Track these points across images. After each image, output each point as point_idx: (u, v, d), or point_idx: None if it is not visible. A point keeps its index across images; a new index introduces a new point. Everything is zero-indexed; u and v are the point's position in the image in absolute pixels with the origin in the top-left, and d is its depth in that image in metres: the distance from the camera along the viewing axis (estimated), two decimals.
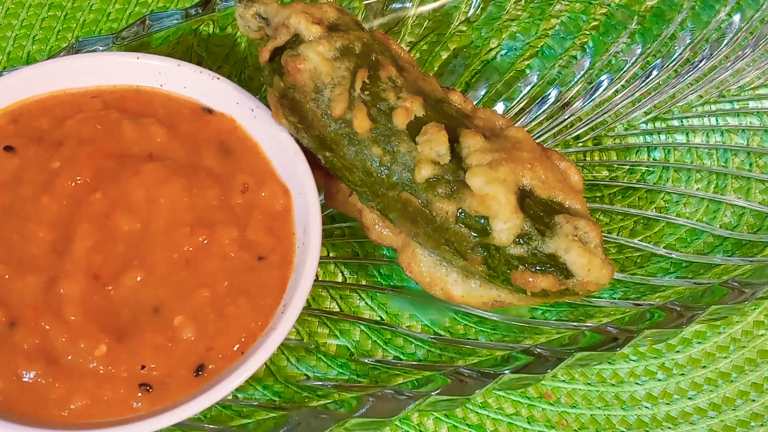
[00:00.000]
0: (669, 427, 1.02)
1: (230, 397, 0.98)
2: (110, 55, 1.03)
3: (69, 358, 0.84)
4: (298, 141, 0.97)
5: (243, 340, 0.88)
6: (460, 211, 0.87)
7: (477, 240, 0.87)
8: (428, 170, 0.88)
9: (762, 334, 1.08)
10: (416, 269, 0.94)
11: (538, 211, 0.87)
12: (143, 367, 0.85)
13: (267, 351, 0.86)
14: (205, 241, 0.91)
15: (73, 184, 0.92)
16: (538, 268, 0.86)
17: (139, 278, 0.89)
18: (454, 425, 1.00)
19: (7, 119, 0.98)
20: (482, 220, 0.86)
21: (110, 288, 0.88)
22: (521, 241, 0.86)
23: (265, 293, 0.91)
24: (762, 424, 1.02)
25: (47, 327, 0.85)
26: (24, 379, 0.84)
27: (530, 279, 0.86)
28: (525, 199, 0.87)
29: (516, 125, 0.95)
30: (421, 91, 0.93)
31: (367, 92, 0.91)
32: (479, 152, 0.88)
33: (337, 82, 0.91)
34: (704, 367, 1.06)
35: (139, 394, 0.84)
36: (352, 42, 0.92)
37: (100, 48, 1.08)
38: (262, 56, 0.95)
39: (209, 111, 1.01)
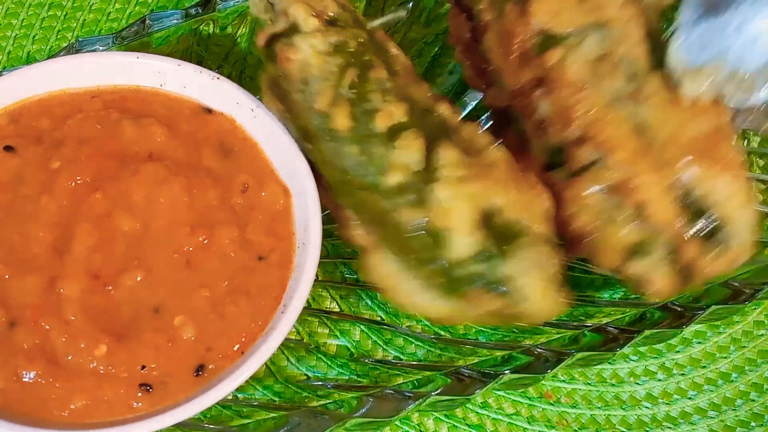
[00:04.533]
0: (669, 427, 1.02)
1: (230, 397, 0.98)
2: (110, 55, 1.03)
3: (69, 358, 0.84)
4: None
5: (243, 340, 0.88)
6: (424, 220, 0.86)
7: (437, 252, 0.86)
8: (399, 176, 0.87)
9: (762, 334, 1.08)
10: (379, 273, 0.92)
11: (501, 232, 0.86)
12: (143, 367, 0.85)
13: (267, 351, 0.86)
14: (205, 241, 0.91)
15: (73, 184, 0.92)
16: (492, 287, 0.85)
17: (139, 278, 0.88)
18: (454, 425, 1.00)
19: (7, 119, 0.97)
20: (444, 233, 0.85)
21: (110, 288, 0.88)
22: (479, 259, 0.85)
23: (265, 293, 0.90)
24: (762, 424, 1.02)
25: (47, 327, 0.85)
26: (24, 379, 0.83)
27: (483, 298, 0.85)
28: (490, 218, 0.86)
29: (498, 145, 0.93)
30: (409, 97, 0.92)
31: (353, 91, 0.91)
32: (453, 166, 0.87)
33: (324, 77, 0.91)
34: (704, 367, 1.06)
35: (139, 394, 0.84)
36: (347, 39, 0.93)
37: (100, 48, 1.08)
38: (258, 40, 0.96)
39: (209, 111, 1.01)
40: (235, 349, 0.88)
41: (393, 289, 0.92)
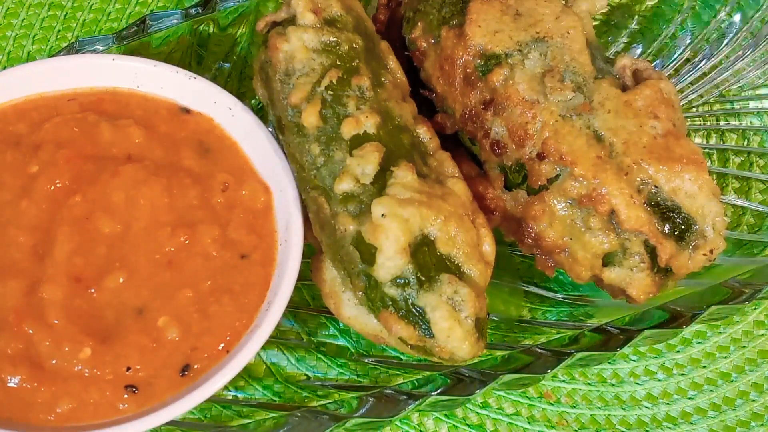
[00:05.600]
0: (669, 427, 1.01)
1: (230, 397, 0.98)
2: (85, 57, 1.03)
3: (53, 362, 0.84)
4: (277, 138, 0.98)
5: (228, 338, 0.88)
6: (357, 233, 0.86)
7: (362, 268, 0.85)
8: (348, 184, 0.87)
9: (762, 334, 1.07)
10: (322, 276, 0.92)
11: (428, 262, 0.84)
12: (128, 369, 0.85)
13: (252, 349, 0.86)
14: (187, 241, 0.91)
15: (52, 187, 0.92)
16: (403, 314, 0.84)
17: (121, 280, 0.88)
18: (454, 425, 1.00)
19: None
20: (372, 250, 0.84)
21: (93, 290, 0.88)
22: (398, 283, 0.84)
23: (248, 291, 0.90)
24: (762, 424, 1.01)
25: (30, 331, 0.85)
26: (9, 385, 0.84)
27: (393, 323, 0.84)
28: (423, 246, 0.84)
29: (460, 177, 0.91)
30: (386, 112, 0.92)
31: (330, 92, 0.91)
32: (402, 186, 0.86)
33: (305, 72, 0.92)
34: (704, 367, 1.05)
35: (126, 396, 0.84)
36: (339, 41, 0.93)
37: (100, 48, 1.08)
38: (258, 24, 0.98)
39: (187, 111, 1.01)
40: (220, 348, 0.87)
41: (330, 296, 0.92)
